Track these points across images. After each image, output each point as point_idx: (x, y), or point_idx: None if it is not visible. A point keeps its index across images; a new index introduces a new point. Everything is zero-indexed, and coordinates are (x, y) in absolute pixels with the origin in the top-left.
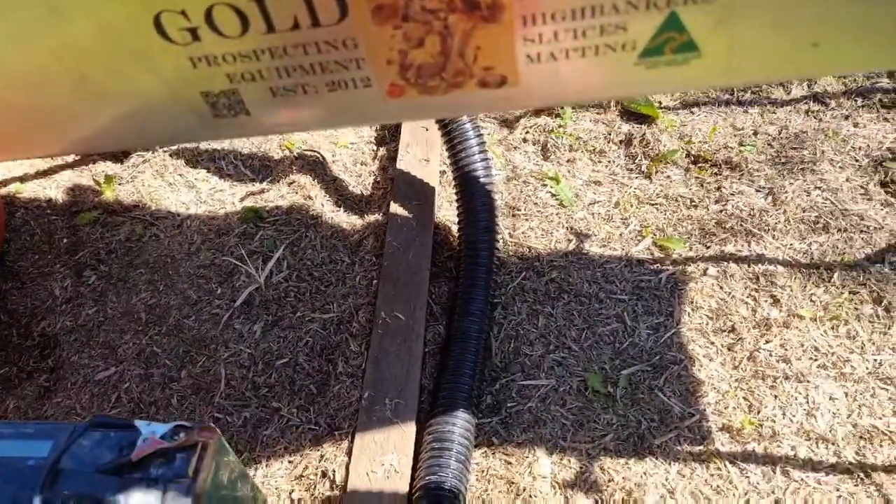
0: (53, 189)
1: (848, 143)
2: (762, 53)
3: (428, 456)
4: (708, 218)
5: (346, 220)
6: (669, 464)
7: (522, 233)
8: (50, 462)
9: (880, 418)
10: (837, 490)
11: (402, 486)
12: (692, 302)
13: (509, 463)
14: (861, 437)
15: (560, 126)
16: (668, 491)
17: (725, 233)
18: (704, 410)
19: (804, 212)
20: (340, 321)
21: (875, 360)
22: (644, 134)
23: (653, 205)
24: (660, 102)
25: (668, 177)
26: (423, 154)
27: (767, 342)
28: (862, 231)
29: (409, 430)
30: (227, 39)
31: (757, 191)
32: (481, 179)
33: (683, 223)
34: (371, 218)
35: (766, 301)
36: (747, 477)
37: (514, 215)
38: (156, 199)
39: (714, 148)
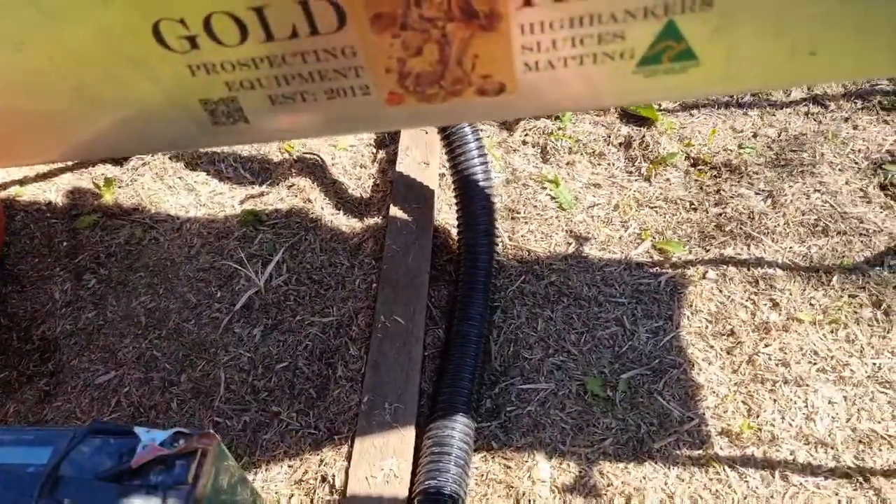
0: (53, 192)
1: (847, 145)
2: (760, 61)
3: (427, 461)
4: (707, 221)
5: (346, 223)
6: (669, 468)
7: (522, 236)
8: (49, 469)
9: (879, 422)
10: (836, 494)
11: (402, 490)
12: (691, 305)
13: (508, 467)
14: (860, 442)
15: (559, 128)
16: (668, 495)
17: (725, 236)
18: (704, 414)
19: (803, 215)
20: (340, 325)
21: (874, 363)
22: (643, 136)
23: (652, 207)
24: (659, 105)
25: (668, 179)
26: (422, 157)
27: (766, 346)
28: (861, 234)
29: (409, 434)
30: (225, 48)
31: (756, 193)
32: (480, 183)
33: (683, 226)
34: (370, 221)
35: (765, 304)
36: (746, 481)
37: (513, 218)
38: (155, 202)
39: (713, 150)
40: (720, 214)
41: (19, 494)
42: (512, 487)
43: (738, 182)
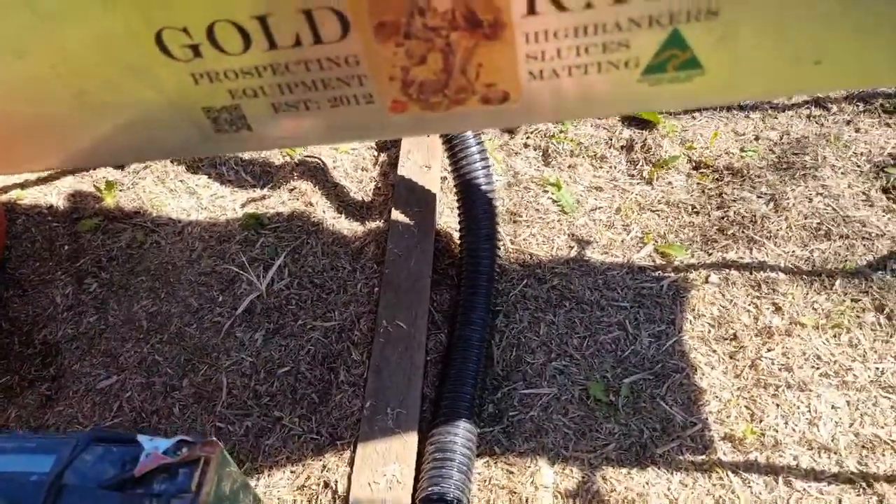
0: (54, 195)
1: (849, 148)
2: (765, 70)
3: (430, 466)
4: (709, 224)
5: (348, 226)
6: (672, 473)
7: (524, 239)
8: (52, 477)
9: (882, 427)
10: (840, 500)
11: (405, 496)
12: (694, 309)
13: (511, 472)
14: (863, 447)
15: (561, 131)
16: (671, 501)
17: (727, 239)
18: (706, 419)
19: (806, 218)
20: (342, 329)
21: (877, 368)
22: (645, 139)
23: (654, 211)
24: None
25: (670, 183)
26: (424, 160)
27: (769, 350)
28: (864, 238)
29: (411, 440)
30: (228, 56)
31: (759, 197)
32: (482, 187)
33: (685, 230)
34: (372, 225)
35: (767, 309)
36: (750, 487)
37: (515, 221)
38: (157, 205)
39: (715, 153)
40: (722, 218)
41: (22, 503)
42: (515, 493)
43: (741, 185)
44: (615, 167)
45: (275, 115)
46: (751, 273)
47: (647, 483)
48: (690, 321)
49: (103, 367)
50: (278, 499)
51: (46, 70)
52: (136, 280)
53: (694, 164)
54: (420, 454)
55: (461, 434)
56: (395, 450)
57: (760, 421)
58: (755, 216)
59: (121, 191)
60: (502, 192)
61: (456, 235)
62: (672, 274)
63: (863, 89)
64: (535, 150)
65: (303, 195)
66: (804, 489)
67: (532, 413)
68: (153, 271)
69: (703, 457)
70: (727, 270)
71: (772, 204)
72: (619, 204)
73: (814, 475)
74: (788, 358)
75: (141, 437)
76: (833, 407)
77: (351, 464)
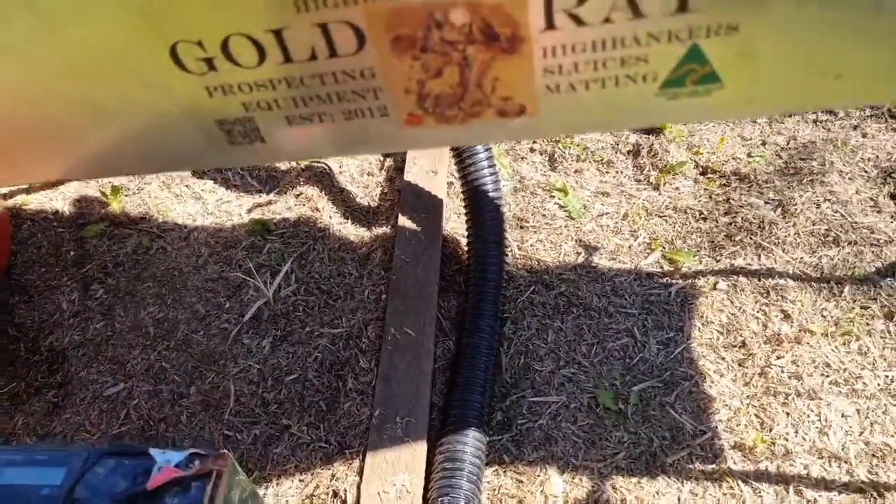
0: (60, 200)
1: (857, 153)
2: (785, 85)
3: (440, 476)
4: (717, 231)
5: (354, 232)
6: (682, 483)
7: (531, 245)
8: (65, 491)
9: (892, 436)
10: None
11: None
12: (702, 316)
13: (521, 481)
14: (873, 456)
15: (567, 136)
16: None
17: (735, 246)
18: (716, 428)
19: (814, 224)
20: (349, 336)
21: (886, 376)
22: (652, 144)
23: (661, 217)
24: None
25: (677, 188)
26: (430, 166)
27: (779, 358)
28: (872, 244)
29: (421, 448)
30: (243, 69)
31: (766, 203)
32: (490, 193)
33: (693, 236)
34: (379, 230)
35: (776, 316)
36: (760, 497)
37: (521, 227)
38: (162, 210)
39: (722, 159)
40: (730, 224)
41: None
42: (524, 502)
43: (748, 191)
44: (622, 172)
45: (289, 127)
46: (759, 280)
47: (658, 492)
48: (699, 328)
49: (110, 374)
50: None
51: (58, 81)
52: (142, 286)
53: (701, 169)
54: (429, 463)
55: (470, 443)
56: (404, 459)
57: (770, 429)
58: (763, 222)
59: (126, 196)
60: (509, 198)
61: (462, 241)
62: (680, 280)
63: (884, 104)
64: (541, 154)
65: (309, 200)
66: (815, 499)
67: (541, 421)
68: (159, 277)
69: (714, 466)
70: (735, 277)
71: (779, 210)
72: (626, 209)
73: (824, 484)
74: (798, 366)
75: (153, 451)
76: (843, 415)
77: (360, 473)
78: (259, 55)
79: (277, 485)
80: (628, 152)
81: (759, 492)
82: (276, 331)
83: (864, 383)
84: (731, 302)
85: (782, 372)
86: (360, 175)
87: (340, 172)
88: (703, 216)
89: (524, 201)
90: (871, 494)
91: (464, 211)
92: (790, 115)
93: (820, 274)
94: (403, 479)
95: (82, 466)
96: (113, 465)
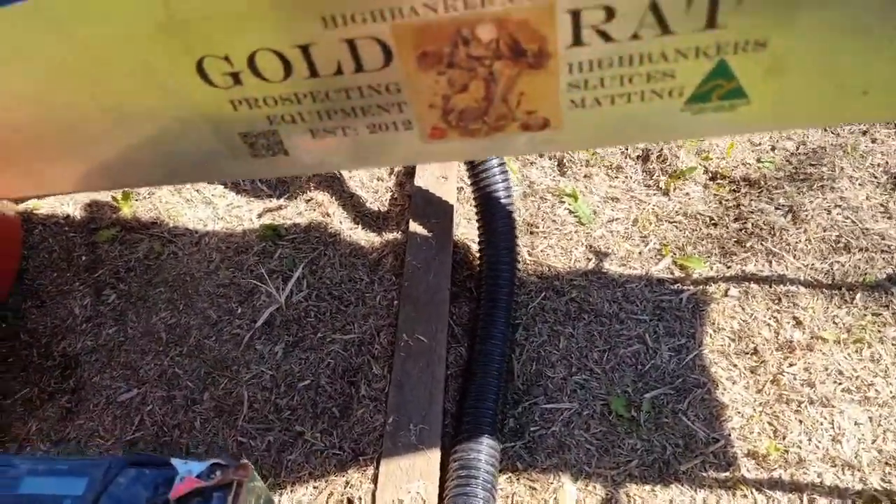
0: (71, 205)
1: (866, 159)
2: (811, 101)
3: (454, 484)
4: (728, 236)
5: (365, 237)
6: (695, 491)
7: (541, 251)
8: (89, 502)
9: None
10: None
11: None
12: (714, 323)
13: (534, 489)
14: (886, 463)
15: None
16: None
17: (746, 252)
18: (729, 436)
19: (825, 231)
20: (361, 342)
21: None
22: (661, 149)
23: (672, 222)
24: None
25: (687, 194)
26: (440, 171)
27: (791, 365)
28: (883, 251)
29: (434, 456)
30: (269, 83)
31: (776, 209)
32: (502, 200)
33: (703, 242)
34: (389, 236)
35: (788, 323)
36: None
37: (532, 233)
38: (173, 215)
39: (732, 164)
40: (740, 230)
41: None
42: None
43: (758, 196)
44: (631, 177)
45: (312, 140)
46: (770, 286)
47: (671, 501)
48: (710, 335)
49: (123, 379)
50: None
51: (81, 91)
52: (154, 291)
53: (710, 174)
54: (443, 470)
55: (485, 451)
56: (418, 466)
57: (784, 437)
58: (773, 228)
59: (137, 200)
60: (519, 203)
61: (473, 247)
62: (691, 287)
63: None
64: (550, 159)
65: (319, 206)
66: None
67: (554, 428)
68: (171, 282)
69: (727, 474)
70: (747, 283)
71: (790, 216)
72: (636, 215)
73: (837, 492)
74: (810, 373)
75: (175, 461)
76: (856, 423)
77: (375, 480)
78: (285, 70)
79: (292, 492)
80: (637, 157)
81: (773, 500)
82: (289, 337)
83: (876, 391)
84: (743, 308)
85: (795, 379)
86: (370, 180)
87: (350, 177)
88: (713, 222)
89: (534, 206)
90: (885, 502)
91: (475, 216)
92: None
93: (831, 281)
94: (418, 486)
95: (104, 477)
96: (134, 474)
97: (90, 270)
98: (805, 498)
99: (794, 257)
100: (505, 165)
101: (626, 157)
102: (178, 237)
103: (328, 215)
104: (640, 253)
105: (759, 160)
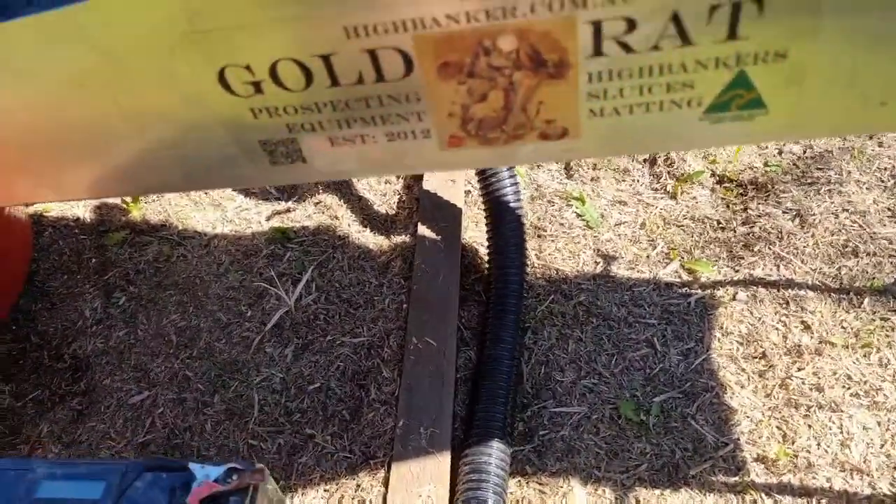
0: (80, 208)
1: (873, 163)
2: (829, 111)
3: (465, 488)
4: (735, 240)
5: (373, 240)
6: (705, 495)
7: (549, 254)
8: None
9: None
10: None
11: None
12: (722, 327)
13: (544, 493)
14: (895, 468)
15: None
16: None
17: (754, 256)
18: (738, 440)
19: (832, 235)
20: (371, 346)
21: None
22: (668, 153)
23: (679, 226)
24: None
25: (694, 197)
26: (448, 174)
27: (800, 370)
28: (891, 255)
29: (445, 459)
30: (289, 92)
31: (784, 213)
32: (511, 204)
33: (711, 245)
34: (398, 239)
35: (796, 327)
36: None
37: (539, 236)
38: (182, 218)
39: (739, 168)
40: (748, 234)
41: None
42: None
43: (765, 200)
44: (638, 181)
45: (331, 148)
46: (778, 290)
47: None
48: (719, 339)
49: (134, 381)
50: None
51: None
52: (164, 294)
53: (718, 178)
54: (453, 474)
55: (495, 454)
56: (429, 470)
57: (793, 442)
58: (781, 232)
59: (146, 203)
60: (526, 206)
61: (481, 250)
62: (699, 290)
63: None
64: (557, 162)
65: (328, 209)
66: None
67: (563, 432)
68: (181, 285)
69: (737, 478)
70: (755, 287)
71: (797, 220)
72: (643, 218)
73: (846, 497)
74: (819, 377)
75: (192, 465)
76: (864, 428)
77: (385, 484)
78: (306, 79)
79: (303, 494)
80: (644, 161)
81: None
82: (298, 339)
83: (884, 395)
84: (751, 312)
85: (803, 384)
86: (378, 183)
87: (358, 180)
88: (720, 226)
89: (541, 210)
90: None
91: (483, 220)
92: None
93: (839, 285)
94: (429, 490)
95: (122, 481)
96: (151, 479)
97: (100, 273)
98: (814, 502)
99: (802, 261)
100: (514, 168)
101: (633, 161)
102: (186, 240)
103: (336, 218)
104: (647, 256)
105: (766, 164)
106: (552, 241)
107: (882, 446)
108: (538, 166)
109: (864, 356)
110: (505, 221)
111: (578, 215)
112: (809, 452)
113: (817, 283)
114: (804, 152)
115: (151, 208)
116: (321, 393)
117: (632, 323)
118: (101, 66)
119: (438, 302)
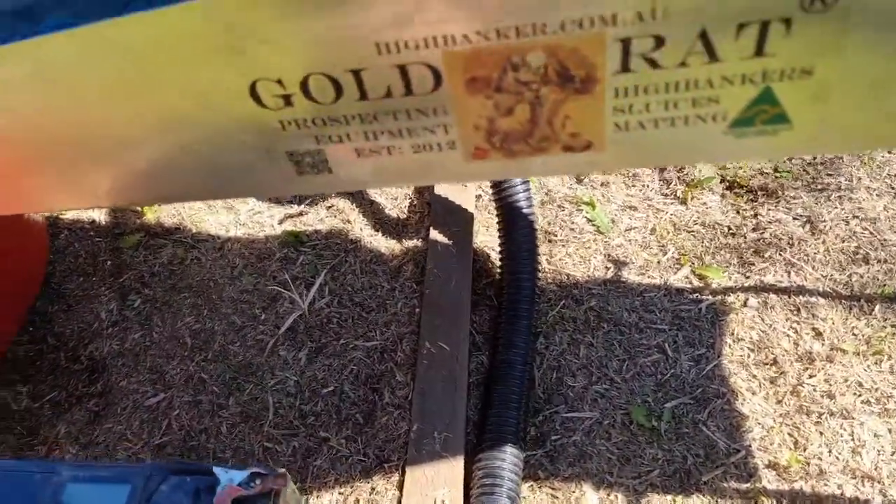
0: (96, 211)
1: (883, 169)
2: (853, 127)
3: (479, 492)
4: (746, 247)
5: (385, 244)
6: (717, 501)
7: (560, 259)
8: None
9: None
10: None
11: None
12: (733, 333)
13: (556, 498)
14: None
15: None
16: None
17: (764, 262)
18: (750, 446)
19: (843, 241)
20: (384, 349)
21: None
22: None
23: (689, 232)
24: None
25: (704, 203)
26: None
27: (811, 376)
28: None
29: (458, 464)
30: (319, 105)
31: (794, 219)
32: (524, 209)
33: (721, 251)
34: (409, 243)
35: (807, 334)
36: None
37: (550, 241)
38: (196, 220)
39: (749, 174)
40: (759, 240)
41: None
42: None
43: (776, 206)
44: (648, 186)
45: (357, 159)
46: (789, 297)
47: None
48: (730, 345)
49: (150, 383)
50: None
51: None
52: (178, 297)
53: (728, 183)
54: (467, 478)
55: (508, 459)
56: (443, 474)
57: (805, 449)
58: (792, 238)
59: (160, 206)
60: (536, 211)
61: (492, 255)
62: (710, 296)
63: None
64: (580, 175)
65: (340, 212)
66: None
67: (575, 437)
68: (195, 288)
69: (748, 485)
70: (765, 294)
71: (808, 226)
72: (653, 224)
73: None
74: (830, 384)
75: (216, 469)
76: (875, 435)
77: (400, 487)
78: (336, 92)
79: (317, 497)
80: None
81: None
82: (312, 343)
83: (895, 402)
84: (762, 319)
85: (815, 391)
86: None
87: None
88: (731, 232)
89: (552, 214)
90: None
91: (494, 224)
92: None
93: (850, 292)
94: (443, 494)
95: (146, 485)
96: (175, 482)
97: (115, 275)
98: None
99: (813, 268)
100: None
101: None
102: (200, 243)
103: (349, 222)
104: (658, 262)
105: (776, 170)
106: (563, 245)
107: (893, 454)
108: None
109: (876, 363)
110: (517, 227)
111: (589, 220)
112: (821, 459)
113: (828, 289)
114: (814, 158)
115: (165, 211)
116: (335, 396)
117: (643, 328)
118: (132, 76)
119: (451, 306)
